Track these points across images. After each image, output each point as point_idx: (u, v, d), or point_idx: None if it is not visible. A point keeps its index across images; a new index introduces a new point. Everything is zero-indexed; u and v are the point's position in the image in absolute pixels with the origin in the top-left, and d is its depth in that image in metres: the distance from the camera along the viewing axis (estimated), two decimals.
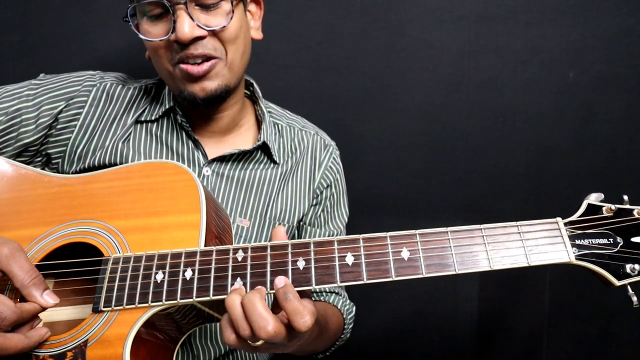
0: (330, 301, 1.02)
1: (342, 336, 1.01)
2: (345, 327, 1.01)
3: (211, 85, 0.85)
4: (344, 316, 1.01)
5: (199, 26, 0.81)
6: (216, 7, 0.83)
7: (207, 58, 0.83)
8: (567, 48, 1.26)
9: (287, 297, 0.62)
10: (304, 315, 0.62)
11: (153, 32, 0.83)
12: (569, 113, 1.28)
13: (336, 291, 1.04)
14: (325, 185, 1.04)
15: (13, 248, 0.66)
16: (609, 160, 1.28)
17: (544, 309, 1.31)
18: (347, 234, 1.11)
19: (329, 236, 1.04)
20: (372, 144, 1.30)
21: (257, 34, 0.96)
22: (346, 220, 1.09)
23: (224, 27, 0.83)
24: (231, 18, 0.83)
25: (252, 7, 0.94)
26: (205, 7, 0.82)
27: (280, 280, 0.64)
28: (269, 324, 0.60)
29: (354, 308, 1.07)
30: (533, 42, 1.26)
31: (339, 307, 1.01)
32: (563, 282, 1.30)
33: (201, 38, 0.82)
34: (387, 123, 1.29)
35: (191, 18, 0.80)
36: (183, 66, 0.83)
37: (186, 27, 0.79)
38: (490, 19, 1.26)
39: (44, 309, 0.66)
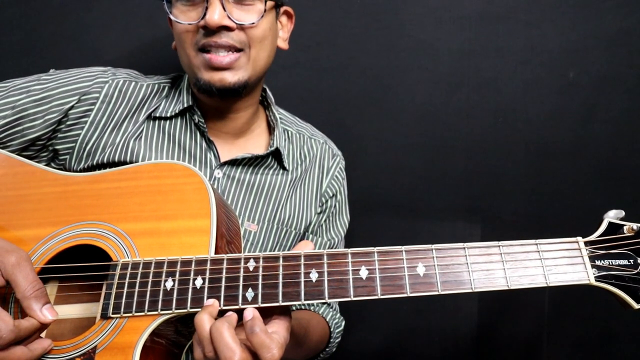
0: (320, 312, 1.02)
1: (327, 349, 1.01)
2: (332, 340, 1.01)
3: (231, 78, 0.85)
4: (331, 329, 1.01)
5: (229, 17, 0.82)
6: (250, 4, 0.84)
7: (230, 49, 0.84)
8: (567, 48, 1.26)
9: (254, 330, 0.61)
10: (271, 348, 0.61)
11: (184, 16, 0.84)
12: (569, 113, 1.28)
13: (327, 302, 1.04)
14: (330, 194, 1.04)
15: (20, 257, 0.65)
16: (609, 160, 1.28)
17: (544, 309, 1.31)
18: (348, 233, 1.11)
19: (329, 245, 1.04)
20: (372, 144, 1.30)
21: (284, 44, 0.97)
22: (347, 226, 1.10)
23: (253, 23, 0.84)
24: (262, 17, 0.85)
25: (283, 18, 0.97)
26: (239, 1, 0.84)
27: (249, 313, 0.63)
28: (235, 355, 0.59)
29: (344, 322, 1.07)
30: (533, 42, 1.26)
31: (327, 319, 1.01)
32: None
33: (229, 29, 0.83)
34: (387, 123, 1.29)
35: (223, 8, 0.81)
36: (206, 55, 0.84)
37: (216, 14, 0.81)
38: (490, 19, 1.26)
39: (43, 326, 0.65)
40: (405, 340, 1.35)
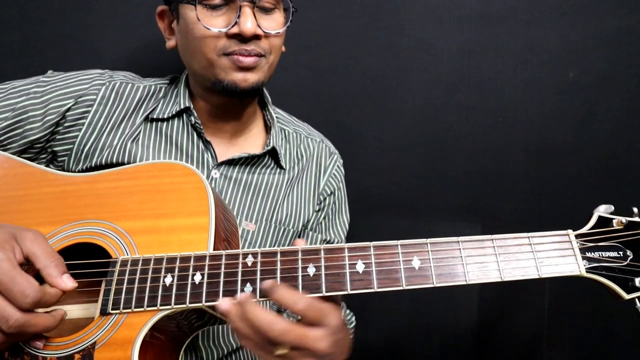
0: None
1: None
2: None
3: (253, 77, 0.87)
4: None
5: (259, 26, 0.85)
6: (272, 13, 0.88)
7: (255, 56, 0.87)
8: (567, 48, 1.26)
9: (275, 290, 0.63)
10: (295, 298, 0.62)
11: (210, 22, 0.85)
12: (569, 113, 1.28)
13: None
14: (328, 192, 1.05)
15: (36, 233, 0.68)
16: (609, 160, 1.28)
17: (544, 308, 1.31)
18: (348, 233, 1.11)
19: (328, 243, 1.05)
20: (372, 144, 1.30)
21: (283, 47, 0.98)
22: (347, 228, 1.10)
23: (279, 32, 0.89)
24: (287, 25, 0.90)
25: None
26: (264, 11, 0.87)
27: (267, 283, 0.64)
28: (278, 324, 0.60)
29: (354, 318, 1.07)
30: (533, 42, 1.26)
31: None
32: (563, 282, 1.30)
33: (258, 38, 0.86)
34: (387, 123, 1.29)
35: (254, 17, 0.84)
36: (234, 56, 0.85)
37: (249, 23, 0.83)
38: (490, 19, 1.26)
39: (63, 293, 0.66)
40: (405, 339, 1.35)
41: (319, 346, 0.61)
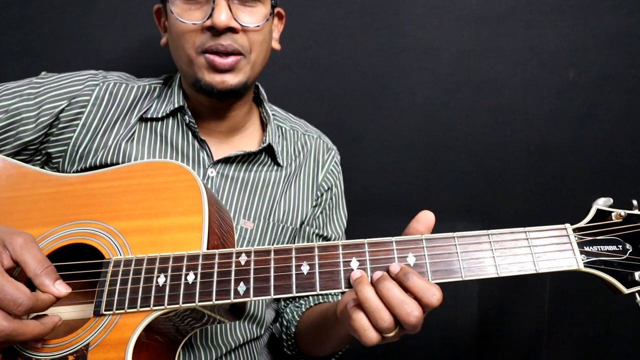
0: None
1: None
2: None
3: (232, 80, 0.86)
4: None
5: (235, 19, 0.83)
6: (252, 6, 0.86)
7: (232, 52, 0.85)
8: (567, 48, 1.26)
9: (410, 277, 0.61)
10: (431, 290, 0.61)
11: (186, 16, 0.84)
12: (569, 113, 1.27)
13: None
14: (326, 188, 1.05)
15: (27, 238, 0.66)
16: (609, 160, 1.28)
17: (544, 309, 1.31)
18: (347, 234, 1.11)
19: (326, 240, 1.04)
20: (372, 144, 1.30)
21: (277, 45, 0.98)
22: (345, 225, 1.10)
23: (258, 26, 0.86)
24: (267, 20, 0.87)
25: (275, 19, 0.97)
26: (243, 3, 0.85)
27: (396, 266, 0.63)
28: (415, 310, 0.60)
29: None
30: (533, 42, 1.26)
31: None
32: (563, 282, 1.30)
33: (234, 31, 0.84)
34: (387, 123, 1.29)
35: (229, 9, 0.82)
36: (209, 56, 0.84)
37: (223, 15, 0.81)
38: (490, 19, 1.26)
39: (57, 299, 0.65)
40: (405, 338, 1.35)
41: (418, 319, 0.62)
